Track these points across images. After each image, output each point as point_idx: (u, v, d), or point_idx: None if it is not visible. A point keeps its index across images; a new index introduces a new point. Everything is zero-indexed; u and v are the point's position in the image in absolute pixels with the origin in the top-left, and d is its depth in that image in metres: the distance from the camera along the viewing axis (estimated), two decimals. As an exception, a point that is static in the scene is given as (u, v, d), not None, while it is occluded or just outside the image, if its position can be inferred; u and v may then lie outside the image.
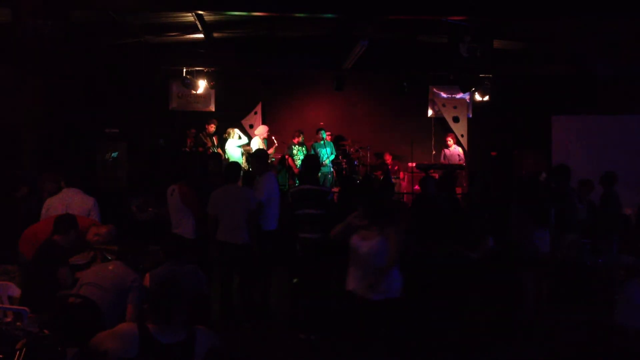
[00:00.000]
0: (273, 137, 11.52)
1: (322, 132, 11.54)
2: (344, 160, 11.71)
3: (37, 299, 4.50)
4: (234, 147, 11.18)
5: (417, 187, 10.86)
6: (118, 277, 4.42)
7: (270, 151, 11.21)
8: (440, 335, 5.66)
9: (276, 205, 6.51)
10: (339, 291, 6.28)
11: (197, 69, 11.86)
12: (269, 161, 7.49)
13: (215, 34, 10.77)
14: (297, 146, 11.43)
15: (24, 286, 4.98)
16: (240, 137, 11.31)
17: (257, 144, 11.22)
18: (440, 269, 6.06)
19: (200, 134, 11.45)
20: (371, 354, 5.05)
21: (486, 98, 12.57)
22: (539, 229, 6.19)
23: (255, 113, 12.82)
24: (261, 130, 11.50)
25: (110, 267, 4.52)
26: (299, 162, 11.12)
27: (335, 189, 10.18)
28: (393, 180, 10.87)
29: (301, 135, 11.45)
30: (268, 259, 6.44)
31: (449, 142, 11.97)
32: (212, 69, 11.98)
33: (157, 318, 3.06)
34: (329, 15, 8.75)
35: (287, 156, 11.44)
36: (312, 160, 6.44)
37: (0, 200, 7.30)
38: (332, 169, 11.42)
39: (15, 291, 4.97)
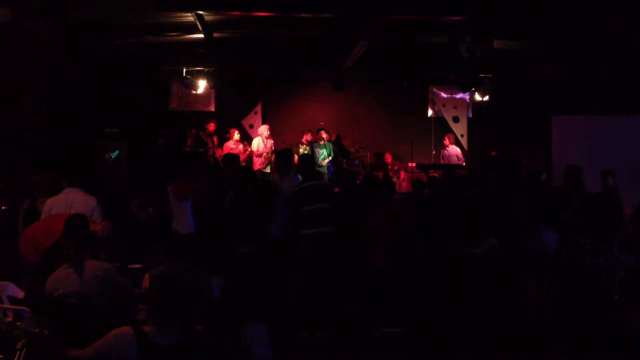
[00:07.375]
0: (272, 142, 11.42)
1: (322, 132, 11.54)
2: (344, 160, 11.70)
3: (42, 300, 4.49)
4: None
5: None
6: (85, 272, 4.40)
7: (264, 152, 11.19)
8: (440, 334, 5.66)
9: None
10: (350, 287, 6.34)
11: (197, 69, 11.86)
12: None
13: (215, 34, 10.76)
14: (304, 145, 11.46)
15: (28, 286, 4.97)
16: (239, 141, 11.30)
17: (257, 144, 11.22)
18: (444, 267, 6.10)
19: (200, 133, 11.43)
20: (374, 352, 5.05)
21: (486, 98, 12.56)
22: (545, 229, 6.22)
23: (255, 113, 12.81)
24: (262, 130, 11.48)
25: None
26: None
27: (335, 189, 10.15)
28: (394, 180, 10.87)
29: (309, 133, 11.46)
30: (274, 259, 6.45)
31: (446, 143, 11.97)
32: (212, 69, 11.96)
33: (157, 319, 3.05)
34: (329, 15, 8.76)
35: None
36: (307, 158, 6.49)
37: None
38: (331, 169, 11.41)
39: (15, 291, 4.95)
